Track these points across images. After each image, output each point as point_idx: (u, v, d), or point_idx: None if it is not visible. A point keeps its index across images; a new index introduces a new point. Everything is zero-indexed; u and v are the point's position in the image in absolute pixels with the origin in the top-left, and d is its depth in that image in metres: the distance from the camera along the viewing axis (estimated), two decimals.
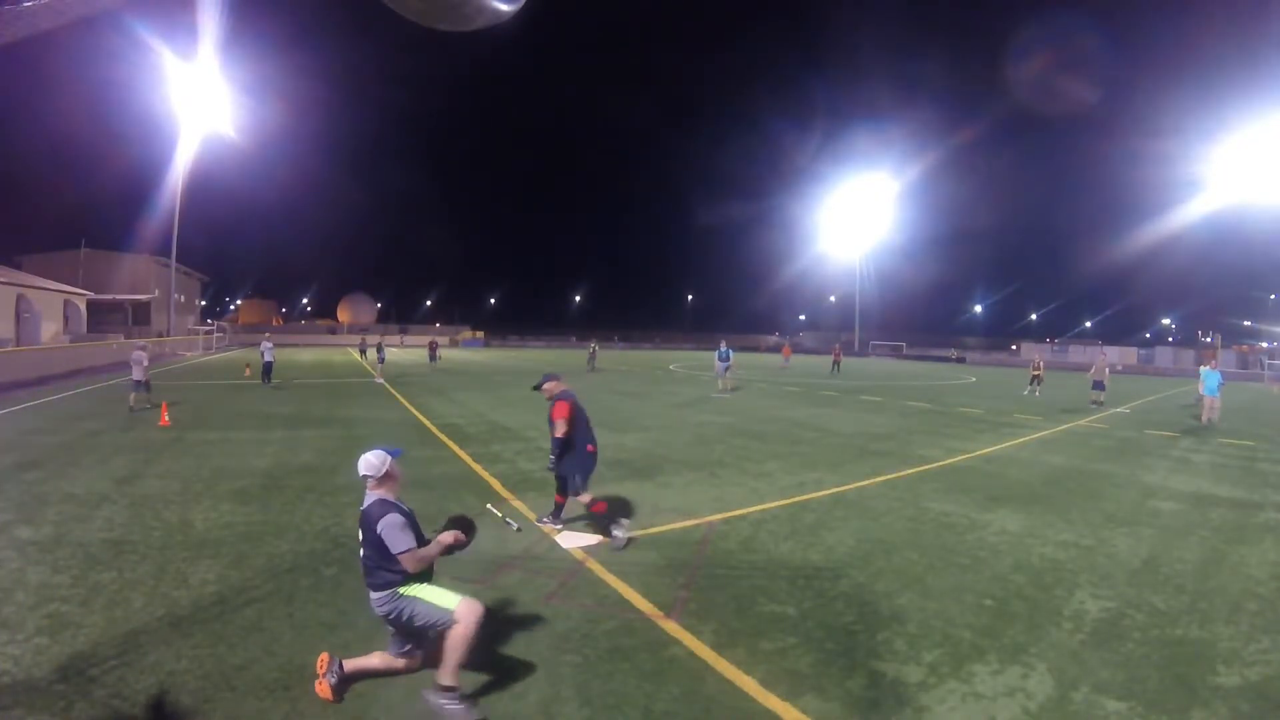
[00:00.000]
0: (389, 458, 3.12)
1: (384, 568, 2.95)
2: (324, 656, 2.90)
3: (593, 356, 29.43)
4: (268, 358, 18.20)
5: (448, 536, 3.13)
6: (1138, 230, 68.81)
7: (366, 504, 3.06)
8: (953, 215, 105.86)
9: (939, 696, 3.02)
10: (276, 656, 3.22)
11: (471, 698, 2.88)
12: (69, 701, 2.79)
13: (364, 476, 3.07)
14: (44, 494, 6.13)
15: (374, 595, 2.99)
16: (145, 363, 12.87)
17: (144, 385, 12.76)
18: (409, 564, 2.93)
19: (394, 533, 2.92)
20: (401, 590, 2.96)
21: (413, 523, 3.05)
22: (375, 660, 3.02)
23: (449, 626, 2.87)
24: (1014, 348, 63.96)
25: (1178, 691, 3.10)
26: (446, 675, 2.81)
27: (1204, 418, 13.82)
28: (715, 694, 3.00)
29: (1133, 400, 19.45)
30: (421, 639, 3.05)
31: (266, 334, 22.37)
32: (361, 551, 3.05)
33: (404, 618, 2.94)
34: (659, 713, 2.84)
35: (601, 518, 5.19)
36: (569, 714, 2.81)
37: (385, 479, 3.09)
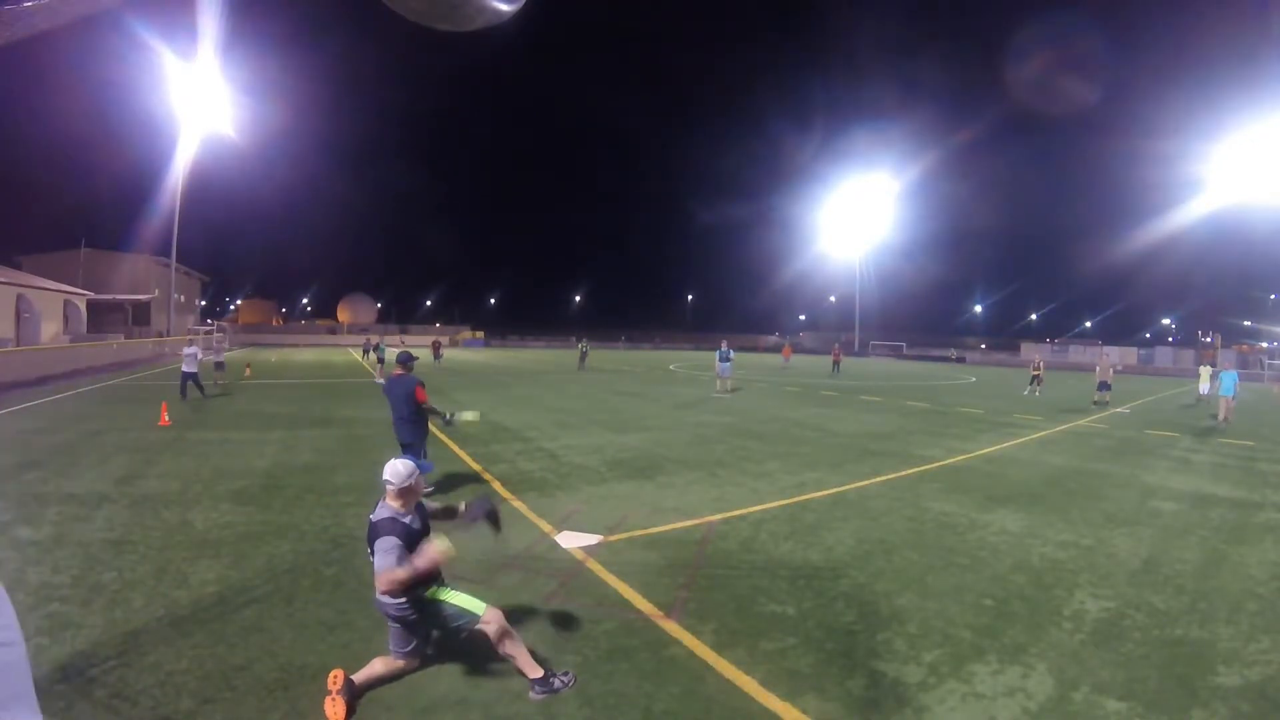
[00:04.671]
0: (418, 471, 3.13)
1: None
2: (337, 673, 2.78)
3: (583, 356, 29.29)
4: (187, 368, 13.79)
5: (432, 553, 2.91)
6: (1138, 230, 68.90)
7: (378, 515, 3.02)
8: (953, 215, 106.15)
9: (939, 696, 3.02)
10: (276, 656, 3.22)
11: (555, 675, 3.00)
12: (69, 701, 2.79)
13: (385, 481, 3.05)
14: (44, 494, 6.13)
15: (390, 600, 2.96)
16: (225, 345, 19.28)
17: (222, 366, 17.87)
18: (380, 583, 2.87)
19: (384, 558, 2.86)
20: (427, 595, 3.02)
21: (414, 539, 3.00)
22: (380, 667, 2.99)
23: (478, 628, 2.99)
24: (983, 346, 63.38)
25: (1178, 691, 3.10)
26: (530, 670, 2.94)
27: (1222, 417, 14.16)
28: (715, 694, 3.00)
29: (1133, 400, 19.45)
30: (453, 636, 3.09)
31: (189, 336, 17.45)
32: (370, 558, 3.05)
33: (432, 619, 3.03)
34: (659, 713, 2.84)
35: None
36: (569, 714, 2.81)
37: (406, 491, 3.06)
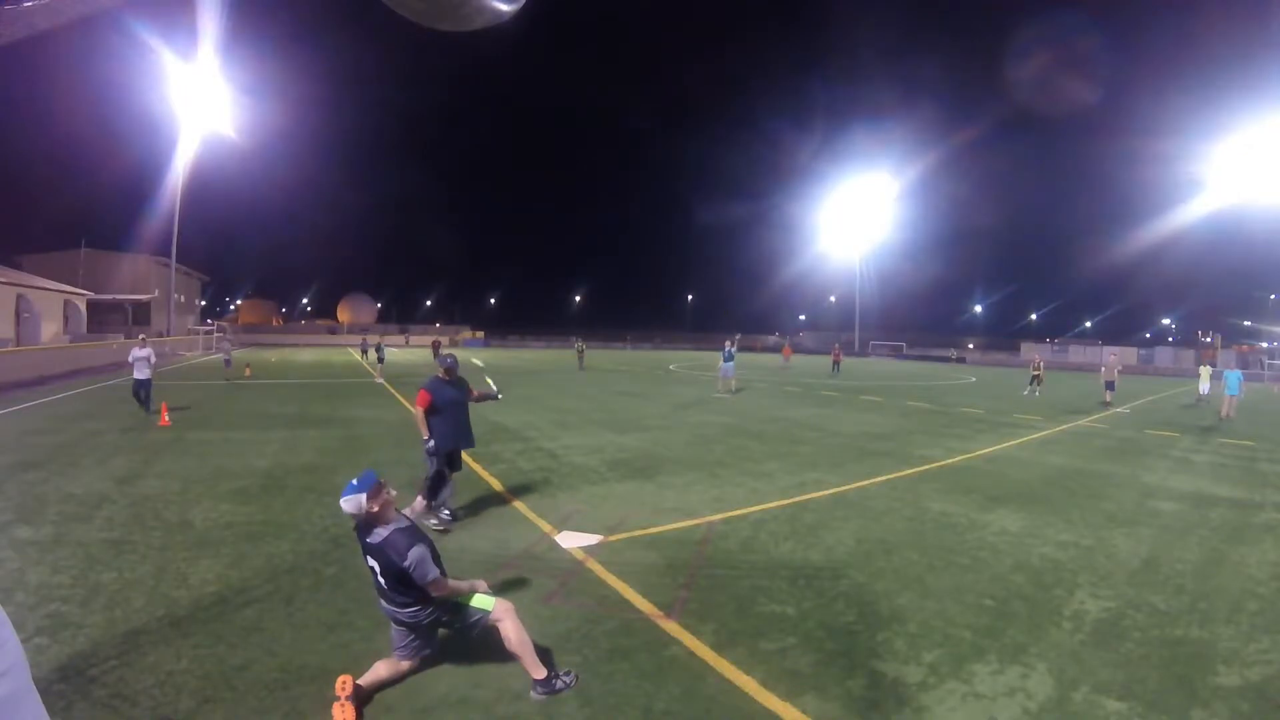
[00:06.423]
0: (363, 496, 2.92)
1: (408, 593, 2.97)
2: (345, 679, 2.77)
3: (581, 355, 30.00)
4: (139, 374, 11.47)
5: (480, 585, 3.19)
6: (1138, 230, 69.10)
7: (382, 536, 2.96)
8: (953, 215, 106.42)
9: (939, 696, 3.02)
10: (276, 656, 3.22)
11: (559, 675, 3.01)
12: (69, 701, 2.79)
13: (353, 515, 2.97)
14: (44, 494, 6.13)
15: (404, 611, 2.98)
16: (229, 346, 21.81)
17: (229, 362, 20.28)
18: (438, 590, 2.97)
19: (425, 566, 2.91)
20: (437, 598, 3.04)
21: (433, 549, 3.04)
22: (384, 670, 2.98)
23: (491, 623, 3.02)
24: (970, 346, 62.95)
25: (1178, 691, 3.10)
26: (534, 670, 2.94)
27: (1223, 413, 14.89)
28: (715, 694, 3.00)
29: (1133, 400, 19.45)
30: (465, 635, 3.11)
31: (141, 335, 13.44)
32: (379, 580, 3.01)
33: (445, 619, 3.05)
34: (659, 713, 2.84)
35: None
36: (569, 714, 2.81)
37: (385, 505, 3.00)
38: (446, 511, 5.53)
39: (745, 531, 5.46)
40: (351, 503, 2.93)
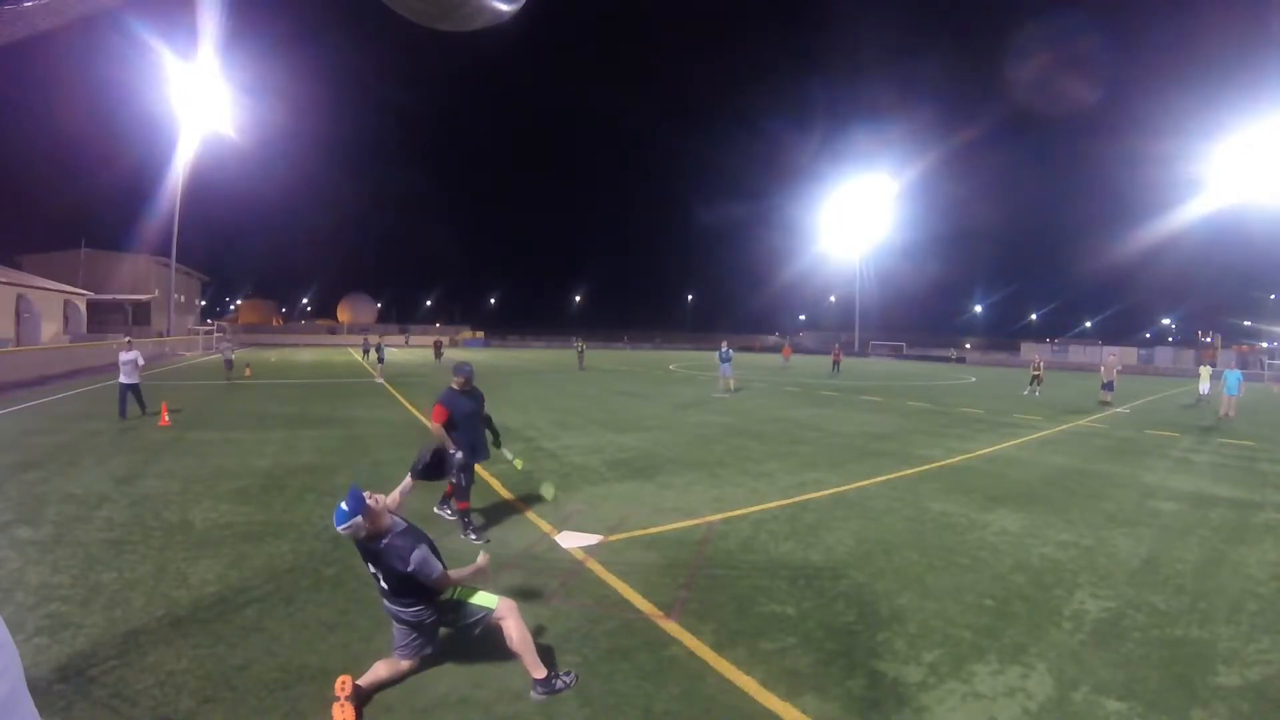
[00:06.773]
0: (359, 518, 2.89)
1: (413, 594, 2.99)
2: (345, 679, 2.76)
3: (580, 356, 30.25)
4: (126, 379, 11.02)
5: (482, 560, 3.21)
6: (1138, 230, 69.26)
7: (382, 543, 2.96)
8: (953, 215, 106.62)
9: (939, 696, 3.02)
10: (276, 656, 3.22)
11: (559, 675, 3.02)
12: (69, 701, 2.79)
13: (350, 533, 2.94)
14: (44, 494, 6.13)
15: (407, 611, 3.00)
16: (230, 347, 21.21)
17: (230, 363, 20.10)
18: (444, 585, 3.00)
19: (428, 565, 2.93)
20: (442, 598, 3.06)
21: (432, 546, 3.05)
22: (384, 670, 2.98)
23: (494, 621, 3.04)
24: (967, 345, 62.76)
25: (1178, 691, 3.10)
26: (534, 669, 2.94)
27: (1223, 412, 14.93)
28: (715, 694, 3.00)
29: (1133, 400, 19.45)
30: (467, 633, 3.12)
31: (128, 338, 12.92)
32: (382, 584, 3.03)
33: (448, 618, 3.07)
34: (659, 713, 2.84)
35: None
36: (569, 714, 2.81)
37: (377, 517, 2.98)
38: (448, 512, 5.53)
39: (745, 531, 5.46)
40: (350, 527, 2.89)
